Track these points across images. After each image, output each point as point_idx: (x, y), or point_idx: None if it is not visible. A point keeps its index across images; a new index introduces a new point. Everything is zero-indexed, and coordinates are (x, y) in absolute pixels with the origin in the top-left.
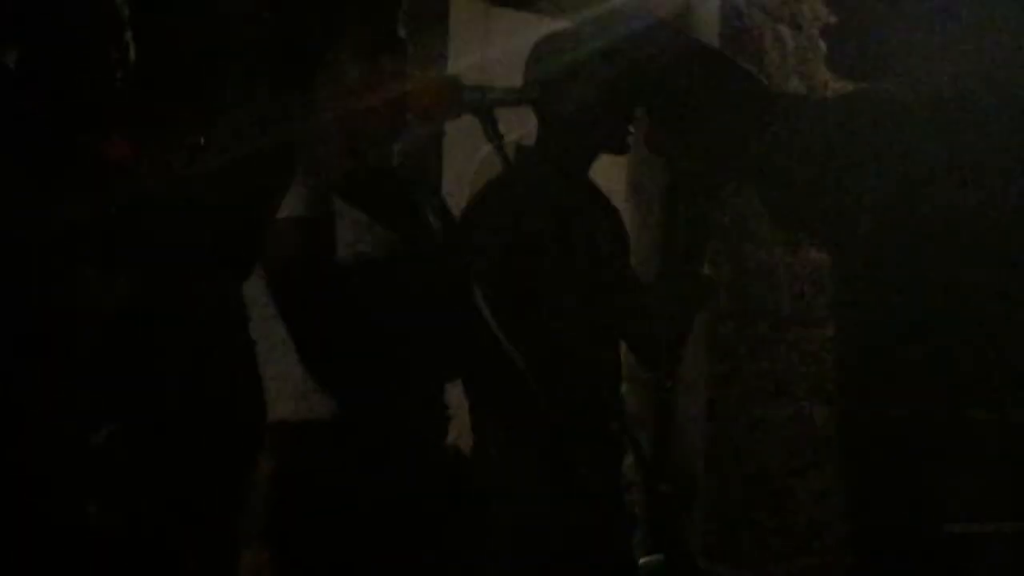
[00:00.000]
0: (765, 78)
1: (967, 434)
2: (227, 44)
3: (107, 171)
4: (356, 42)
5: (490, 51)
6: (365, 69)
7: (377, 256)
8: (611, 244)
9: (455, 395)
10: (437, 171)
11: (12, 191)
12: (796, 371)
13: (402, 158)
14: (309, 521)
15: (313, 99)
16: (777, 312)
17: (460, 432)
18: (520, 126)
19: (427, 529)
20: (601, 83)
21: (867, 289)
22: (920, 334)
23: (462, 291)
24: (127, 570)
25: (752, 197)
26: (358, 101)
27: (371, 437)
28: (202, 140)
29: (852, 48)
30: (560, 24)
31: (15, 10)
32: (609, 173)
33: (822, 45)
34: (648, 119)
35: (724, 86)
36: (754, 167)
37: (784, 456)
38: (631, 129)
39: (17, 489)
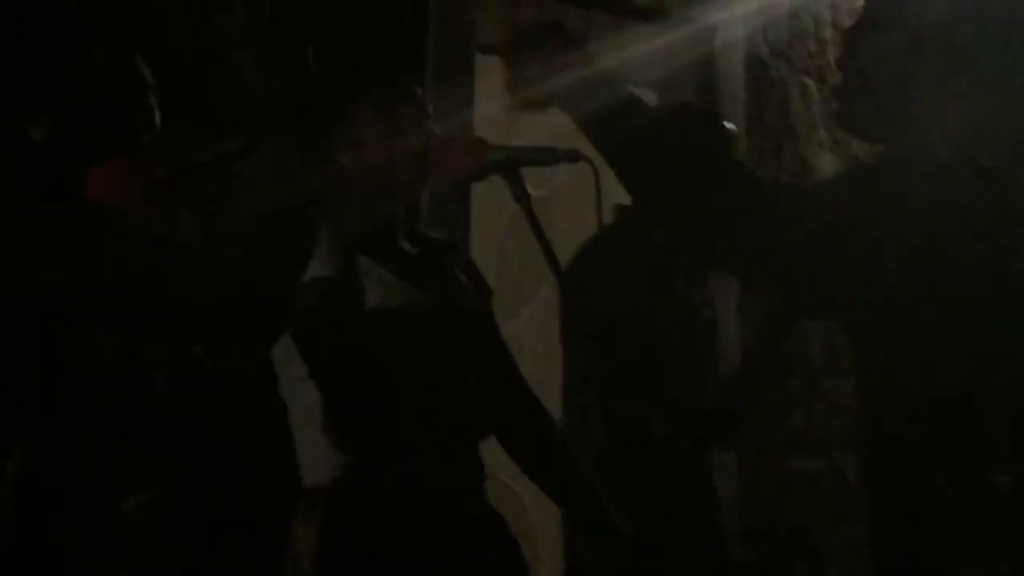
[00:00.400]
0: (791, 131)
1: (991, 497)
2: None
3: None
4: (376, 100)
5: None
6: (386, 127)
7: (406, 315)
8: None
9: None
10: (465, 230)
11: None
12: (828, 424)
13: (428, 217)
14: None
15: (332, 154)
16: (808, 365)
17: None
18: (543, 186)
19: None
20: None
21: (893, 357)
22: (946, 398)
23: (493, 348)
24: None
25: None
26: (379, 159)
27: (408, 499)
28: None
29: (862, 107)
30: None
31: (45, 77)
32: None
33: (833, 104)
34: None
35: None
36: (755, 255)
37: (818, 510)
38: None
39: (46, 558)
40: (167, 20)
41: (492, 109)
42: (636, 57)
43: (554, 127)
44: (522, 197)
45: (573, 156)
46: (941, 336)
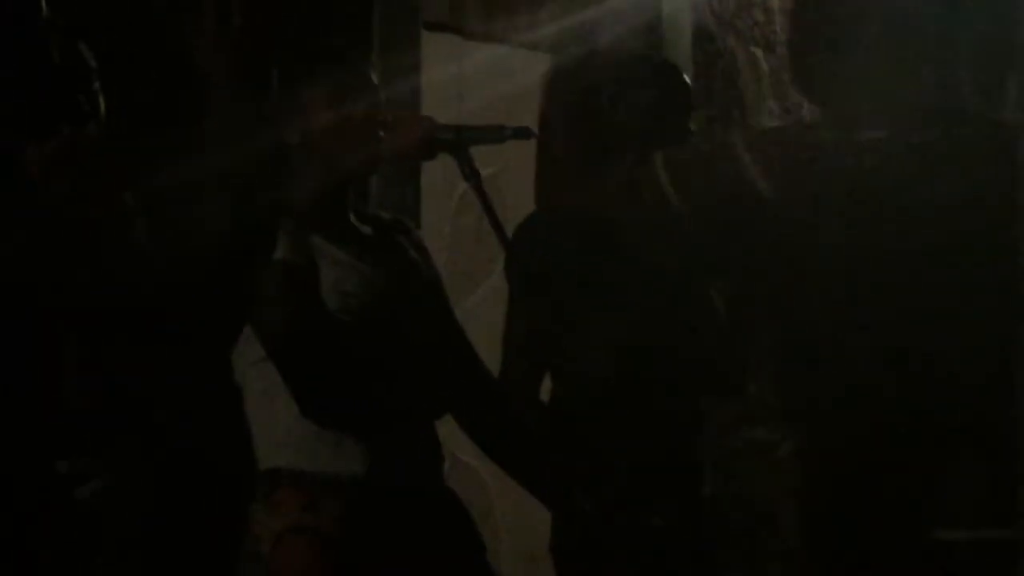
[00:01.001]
0: (739, 101)
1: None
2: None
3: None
4: (329, 85)
5: (465, 88)
6: (338, 111)
7: (362, 296)
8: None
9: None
10: (415, 209)
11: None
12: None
13: (379, 196)
14: (313, 570)
15: (285, 134)
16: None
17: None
18: (495, 162)
19: (436, 570)
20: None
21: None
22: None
23: (446, 327)
24: None
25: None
26: (332, 143)
27: (367, 480)
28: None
29: (804, 68)
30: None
31: None
32: None
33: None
34: None
35: None
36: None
37: (775, 478)
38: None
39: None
40: (114, 4)
41: (440, 79)
42: (582, 24)
43: (502, 98)
44: (472, 176)
45: (522, 133)
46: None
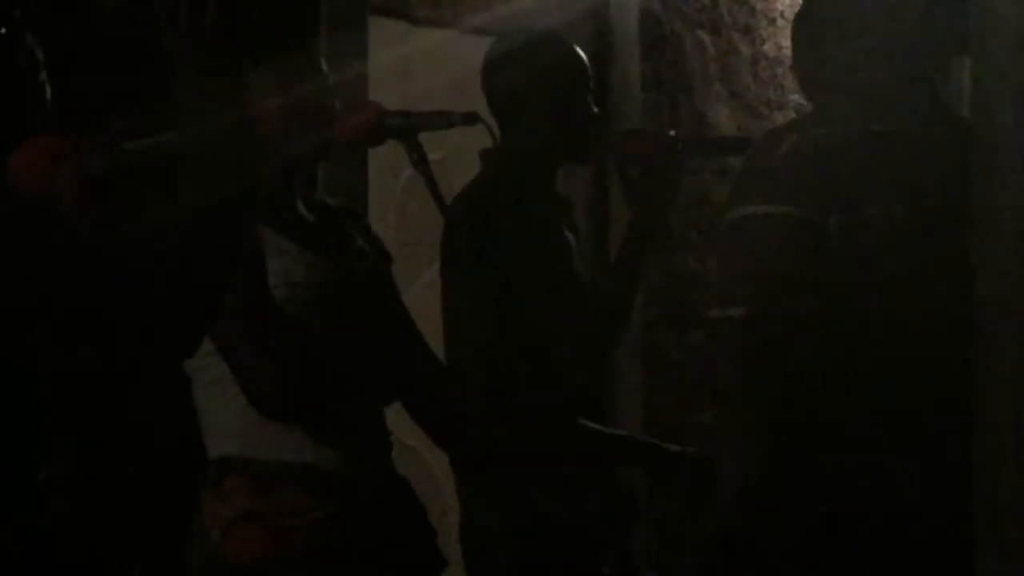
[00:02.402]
0: (686, 85)
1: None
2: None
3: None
4: (277, 69)
5: (411, 72)
6: (285, 97)
7: (310, 286)
8: (572, 249)
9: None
10: (363, 195)
11: None
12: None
13: (326, 183)
14: (264, 557)
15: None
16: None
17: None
18: (440, 147)
19: (387, 557)
20: (564, 91)
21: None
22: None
23: (394, 313)
24: None
25: (681, 205)
26: (279, 128)
27: (317, 467)
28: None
29: (796, 65)
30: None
31: None
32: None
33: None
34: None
35: None
36: None
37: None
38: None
39: None
40: None
41: (387, 59)
42: (528, 8)
43: (450, 82)
44: (420, 162)
45: (469, 119)
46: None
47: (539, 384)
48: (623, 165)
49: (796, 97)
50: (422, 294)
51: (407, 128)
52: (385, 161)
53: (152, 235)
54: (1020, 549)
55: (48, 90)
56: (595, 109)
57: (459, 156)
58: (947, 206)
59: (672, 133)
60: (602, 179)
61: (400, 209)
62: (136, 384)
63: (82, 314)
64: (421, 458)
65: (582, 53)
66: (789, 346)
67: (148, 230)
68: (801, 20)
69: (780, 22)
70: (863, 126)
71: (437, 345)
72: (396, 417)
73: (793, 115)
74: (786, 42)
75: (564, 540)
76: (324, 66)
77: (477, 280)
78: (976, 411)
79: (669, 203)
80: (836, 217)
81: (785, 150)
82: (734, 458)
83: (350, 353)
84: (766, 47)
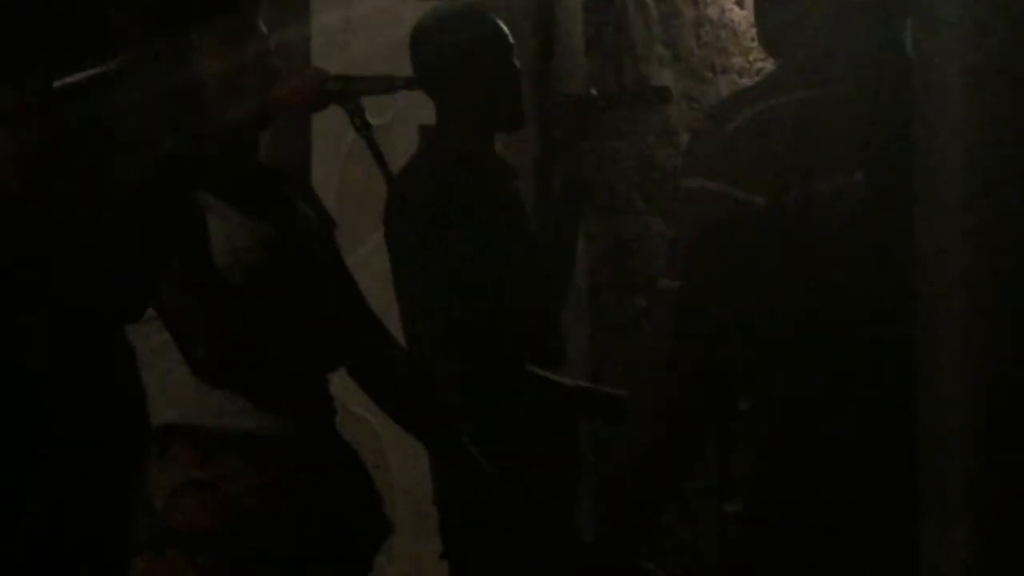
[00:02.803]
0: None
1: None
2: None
3: None
4: (218, 33)
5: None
6: (227, 60)
7: (253, 251)
8: (519, 214)
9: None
10: (305, 160)
11: None
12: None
13: (268, 148)
14: (209, 525)
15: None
16: (654, 284)
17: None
18: (384, 112)
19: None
20: (489, 64)
21: None
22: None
23: (338, 278)
24: None
25: (626, 169)
26: (221, 92)
27: (261, 433)
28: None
29: (761, 23)
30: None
31: None
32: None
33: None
34: None
35: None
36: None
37: None
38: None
39: None
40: None
41: (329, 22)
42: None
43: (391, 46)
44: (362, 127)
45: (412, 83)
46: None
47: (491, 346)
48: (563, 133)
49: (739, 60)
50: (366, 259)
51: (349, 93)
52: (327, 126)
53: (91, 199)
54: (965, 517)
55: None
56: (517, 66)
57: (403, 121)
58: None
59: (592, 92)
60: (545, 143)
61: (343, 174)
62: (80, 351)
63: (23, 280)
64: (367, 424)
65: (502, 24)
66: (711, 322)
67: (86, 195)
68: None
69: None
70: (823, 88)
71: (379, 309)
72: (341, 383)
73: (736, 78)
74: (729, 4)
75: (516, 501)
76: (264, 29)
77: (427, 252)
78: (922, 381)
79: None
80: (794, 193)
81: (740, 123)
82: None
83: (293, 319)
84: (709, 10)
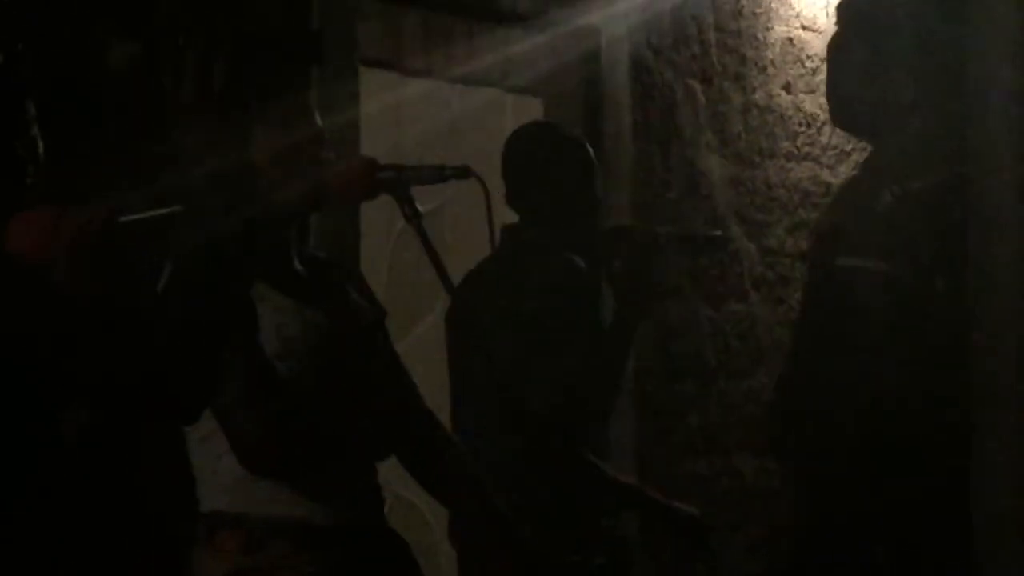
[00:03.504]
0: (677, 134)
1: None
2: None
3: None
4: (272, 118)
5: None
6: (280, 145)
7: (304, 340)
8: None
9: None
10: (355, 247)
11: None
12: (724, 425)
13: (317, 235)
14: None
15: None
16: (703, 367)
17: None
18: (435, 199)
19: None
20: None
21: None
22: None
23: (389, 367)
24: None
25: (672, 252)
26: (273, 177)
27: (309, 521)
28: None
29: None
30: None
31: None
32: None
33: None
34: None
35: None
36: None
37: (717, 511)
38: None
39: None
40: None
41: (378, 108)
42: (519, 56)
43: (440, 131)
44: (413, 215)
45: (462, 173)
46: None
47: (544, 433)
48: (608, 262)
49: (786, 144)
50: (414, 345)
51: (400, 182)
52: (377, 213)
53: (149, 296)
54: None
55: (40, 145)
56: (599, 198)
57: (452, 207)
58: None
59: (658, 230)
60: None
61: (392, 261)
62: (133, 441)
63: (80, 378)
64: (415, 509)
65: (590, 148)
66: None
67: (145, 292)
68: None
69: (771, 70)
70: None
71: (429, 395)
72: (390, 467)
73: (784, 163)
74: (776, 90)
75: None
76: (318, 118)
77: (488, 352)
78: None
79: (651, 301)
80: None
81: (885, 204)
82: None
83: (343, 408)
84: (757, 95)
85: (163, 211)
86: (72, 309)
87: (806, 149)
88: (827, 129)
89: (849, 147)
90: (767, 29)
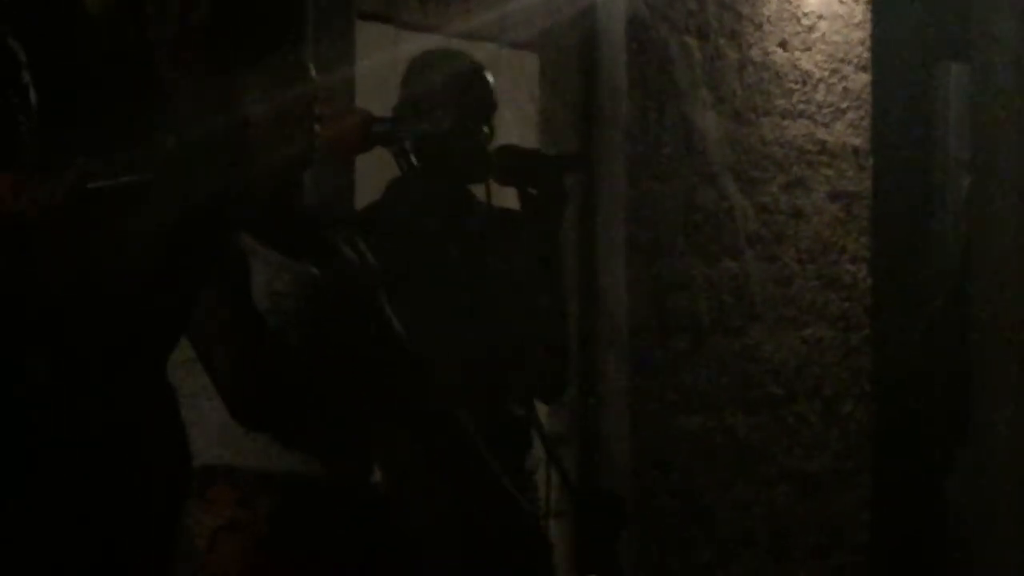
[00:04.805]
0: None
1: None
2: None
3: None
4: (265, 74)
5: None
6: (273, 101)
7: (295, 296)
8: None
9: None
10: (349, 205)
11: None
12: (717, 382)
13: (311, 189)
14: (247, 566)
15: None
16: (697, 324)
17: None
18: None
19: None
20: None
21: None
22: None
23: (381, 322)
24: None
25: (668, 211)
26: (266, 133)
27: (300, 476)
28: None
29: None
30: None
31: None
32: None
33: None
34: None
35: None
36: None
37: (710, 468)
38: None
39: None
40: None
41: (374, 64)
42: (515, 11)
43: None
44: (408, 168)
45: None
46: None
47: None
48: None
49: (782, 102)
50: None
51: (395, 135)
52: (372, 166)
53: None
54: None
55: (32, 93)
56: (486, 130)
57: None
58: None
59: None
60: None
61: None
62: (119, 390)
63: (55, 319)
64: None
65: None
66: None
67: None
68: None
69: (767, 27)
70: None
71: None
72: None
73: (779, 120)
74: (772, 47)
75: None
76: (312, 71)
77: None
78: None
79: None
80: None
81: None
82: None
83: (333, 363)
84: (752, 52)
85: (135, 178)
86: (45, 249)
87: (801, 107)
88: (822, 87)
89: (844, 105)
90: None
